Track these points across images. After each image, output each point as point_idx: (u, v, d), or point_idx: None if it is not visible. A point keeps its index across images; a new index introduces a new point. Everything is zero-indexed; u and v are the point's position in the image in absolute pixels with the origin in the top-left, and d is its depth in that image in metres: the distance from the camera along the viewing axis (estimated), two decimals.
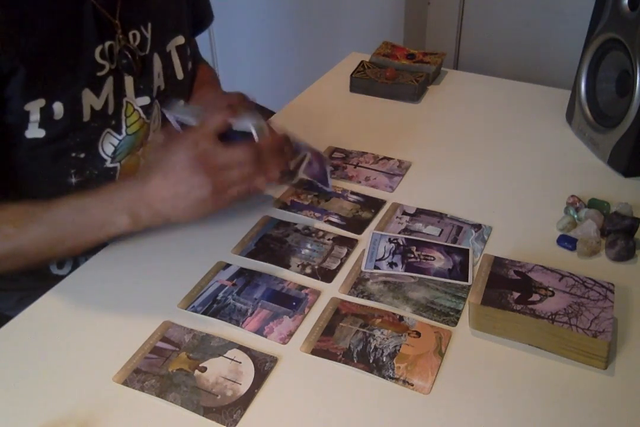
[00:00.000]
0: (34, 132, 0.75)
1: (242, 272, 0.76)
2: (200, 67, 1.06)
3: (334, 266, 0.78)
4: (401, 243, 0.80)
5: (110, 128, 0.83)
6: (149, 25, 0.85)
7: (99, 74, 0.79)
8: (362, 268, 0.77)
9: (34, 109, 0.73)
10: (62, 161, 0.80)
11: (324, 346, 0.67)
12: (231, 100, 0.81)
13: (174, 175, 0.68)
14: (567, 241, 0.80)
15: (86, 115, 0.79)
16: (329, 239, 0.82)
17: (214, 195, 0.68)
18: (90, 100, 0.78)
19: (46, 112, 0.74)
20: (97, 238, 0.73)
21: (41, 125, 0.75)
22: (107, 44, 0.79)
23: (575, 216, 0.84)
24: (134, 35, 0.83)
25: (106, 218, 0.71)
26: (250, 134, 0.70)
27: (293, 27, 1.92)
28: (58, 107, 0.75)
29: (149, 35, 0.85)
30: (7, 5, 0.69)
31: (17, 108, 0.73)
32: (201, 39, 1.09)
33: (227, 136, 0.70)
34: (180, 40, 0.91)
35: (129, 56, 0.81)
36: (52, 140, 0.77)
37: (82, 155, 0.81)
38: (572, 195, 0.87)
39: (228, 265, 0.78)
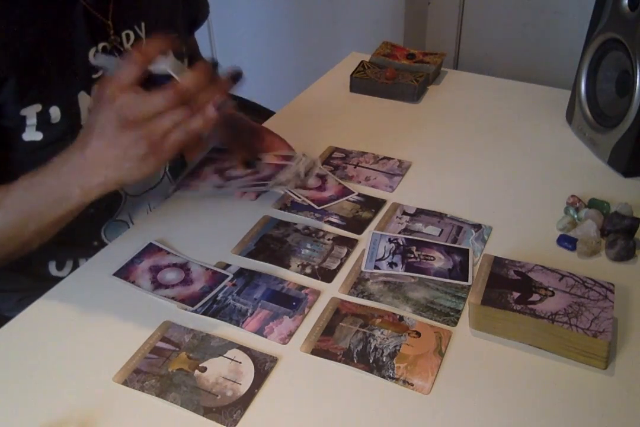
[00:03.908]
0: (32, 135, 0.75)
1: (242, 272, 0.76)
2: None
3: (334, 266, 0.78)
4: (401, 243, 0.80)
5: None
6: (143, 25, 0.84)
7: (94, 76, 0.78)
8: (362, 268, 0.77)
9: (30, 113, 0.73)
10: None
11: (324, 346, 0.67)
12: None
13: (105, 137, 0.64)
14: (567, 241, 0.80)
15: (84, 118, 0.78)
16: (329, 239, 0.82)
17: (152, 149, 0.63)
18: (87, 103, 0.78)
19: (43, 116, 0.74)
20: (57, 216, 0.69)
21: (38, 128, 0.75)
22: (101, 45, 0.78)
23: (575, 216, 0.84)
24: (127, 36, 0.82)
25: (58, 194, 0.68)
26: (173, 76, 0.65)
27: (293, 27, 1.92)
28: (55, 111, 0.75)
29: (143, 35, 0.84)
30: None
31: (12, 113, 0.72)
32: (201, 39, 1.08)
33: (154, 83, 0.64)
34: None
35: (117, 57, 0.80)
36: (50, 143, 0.76)
37: None
38: (572, 195, 0.87)
39: (228, 265, 0.78)
